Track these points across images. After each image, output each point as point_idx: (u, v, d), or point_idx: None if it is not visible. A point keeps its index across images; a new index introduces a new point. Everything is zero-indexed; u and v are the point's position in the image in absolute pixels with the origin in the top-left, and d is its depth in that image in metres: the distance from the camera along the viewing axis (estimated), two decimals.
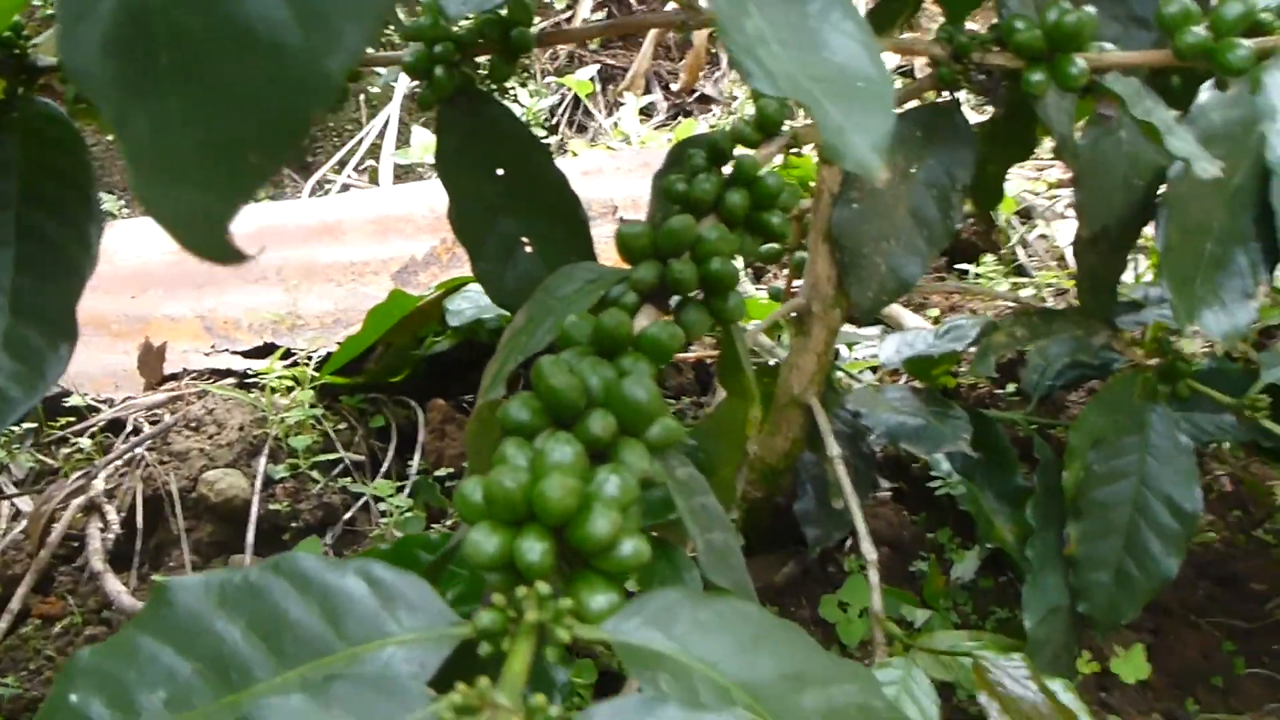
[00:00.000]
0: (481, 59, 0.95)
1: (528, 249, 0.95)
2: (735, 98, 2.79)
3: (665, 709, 0.37)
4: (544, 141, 0.97)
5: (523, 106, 2.70)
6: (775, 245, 1.28)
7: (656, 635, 0.44)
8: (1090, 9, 0.77)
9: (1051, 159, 2.17)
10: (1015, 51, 0.79)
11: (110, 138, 0.97)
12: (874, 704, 0.47)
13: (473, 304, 1.35)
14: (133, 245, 1.90)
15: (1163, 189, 0.96)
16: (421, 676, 0.43)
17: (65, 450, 1.37)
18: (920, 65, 2.30)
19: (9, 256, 0.81)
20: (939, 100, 0.95)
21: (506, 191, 0.95)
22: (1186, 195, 0.95)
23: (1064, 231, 1.81)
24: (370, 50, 0.96)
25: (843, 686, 0.47)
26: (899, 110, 0.97)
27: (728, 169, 0.77)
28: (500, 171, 0.95)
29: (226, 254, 0.32)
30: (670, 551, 0.83)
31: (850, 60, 0.47)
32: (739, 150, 0.78)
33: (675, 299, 0.69)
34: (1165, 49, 0.75)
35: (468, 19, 0.91)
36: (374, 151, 2.64)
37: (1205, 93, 0.93)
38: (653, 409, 0.55)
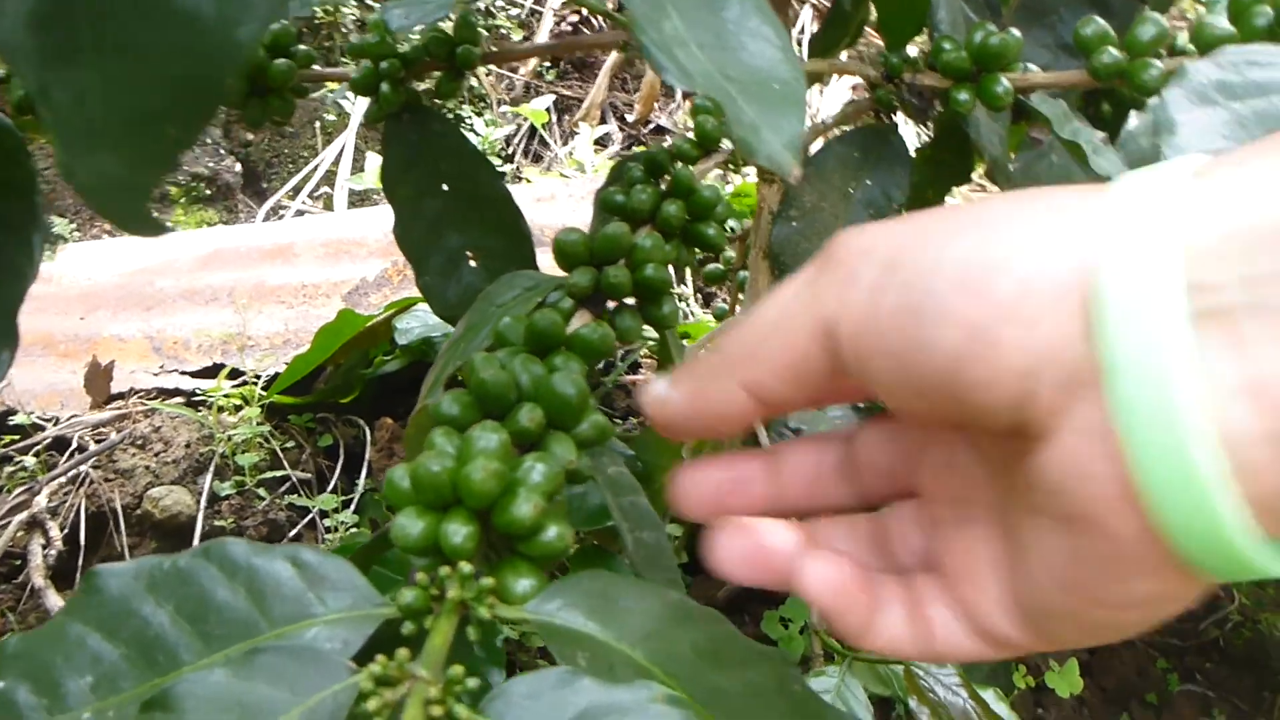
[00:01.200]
0: (429, 77, 0.97)
1: (472, 263, 0.96)
2: (690, 129, 2.82)
3: (581, 681, 0.37)
4: (494, 164, 0.98)
5: (479, 135, 2.72)
6: (720, 266, 1.30)
7: (577, 616, 0.45)
8: (1016, 33, 0.79)
9: (983, 186, 2.21)
10: (943, 72, 0.81)
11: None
12: (792, 687, 0.48)
13: (421, 323, 1.35)
14: (83, 267, 1.90)
15: None
16: (345, 653, 0.44)
17: (9, 469, 1.36)
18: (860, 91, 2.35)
19: None
20: (876, 123, 0.98)
21: (452, 206, 0.96)
22: None
23: None
24: (319, 67, 0.97)
25: (761, 668, 0.47)
26: (839, 132, 1.00)
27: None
28: (445, 187, 0.96)
29: (143, 223, 0.33)
30: (607, 558, 0.85)
31: (766, 63, 0.49)
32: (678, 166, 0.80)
33: (610, 305, 0.71)
34: (1080, 73, 0.78)
35: (414, 36, 0.93)
36: (329, 178, 2.64)
37: (1135, 119, 0.96)
38: (581, 404, 0.56)
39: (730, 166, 0.93)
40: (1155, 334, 0.26)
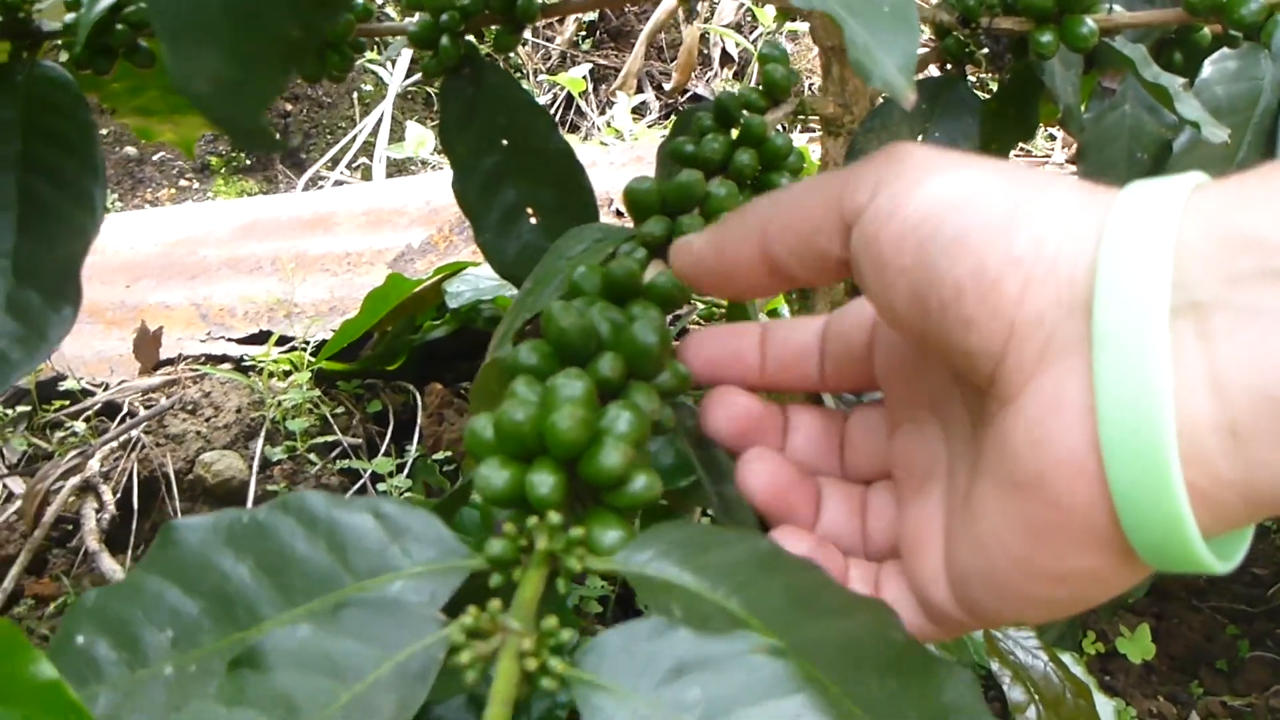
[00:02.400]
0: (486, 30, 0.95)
1: (532, 219, 0.95)
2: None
3: (676, 633, 0.36)
4: (531, 97, 0.96)
5: None
6: None
7: (669, 567, 0.43)
8: None
9: (1044, 157, 2.18)
10: (1024, 13, 0.79)
11: (110, 117, 0.97)
12: (892, 635, 0.46)
13: (471, 287, 1.34)
14: (125, 237, 1.89)
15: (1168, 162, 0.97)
16: (432, 606, 0.42)
17: (59, 434, 1.36)
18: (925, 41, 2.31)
19: (10, 219, 0.80)
20: (943, 73, 0.95)
21: (510, 161, 0.94)
22: (1191, 168, 0.96)
23: None
24: (375, 21, 0.96)
25: (859, 616, 0.46)
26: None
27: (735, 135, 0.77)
28: (504, 141, 0.94)
29: (260, 133, 0.31)
30: (678, 520, 0.83)
31: None
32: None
33: None
34: (1173, 10, 0.75)
35: None
36: (366, 149, 2.63)
37: (1209, 67, 0.94)
38: (662, 353, 0.55)
39: (799, 117, 0.91)
40: (1139, 318, 0.28)
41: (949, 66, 0.94)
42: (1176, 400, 0.28)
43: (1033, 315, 0.31)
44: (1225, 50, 0.92)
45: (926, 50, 0.96)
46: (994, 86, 1.11)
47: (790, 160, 0.78)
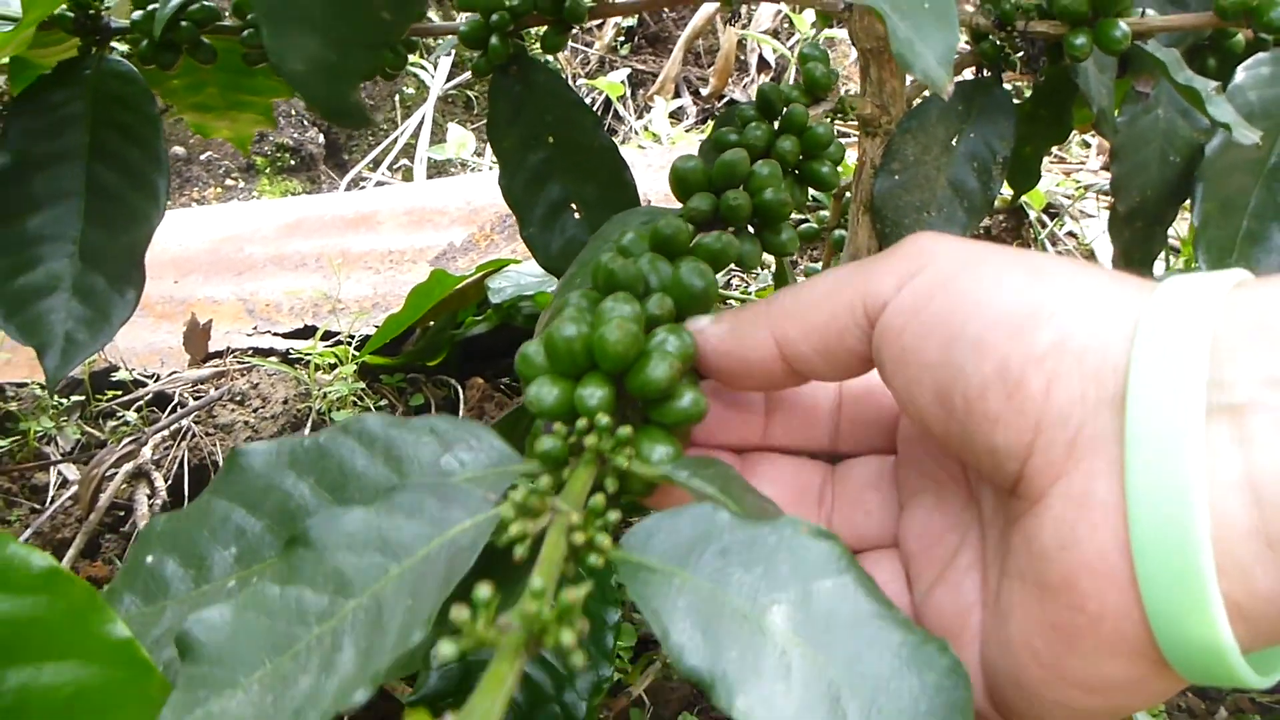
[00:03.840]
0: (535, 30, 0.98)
1: (576, 215, 0.98)
2: None
3: (723, 516, 0.36)
4: (577, 95, 0.99)
5: None
6: (814, 225, 1.30)
7: (709, 488, 0.43)
8: None
9: (1079, 164, 2.19)
10: (1059, 16, 0.81)
11: (165, 115, 1.00)
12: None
13: (513, 283, 1.37)
14: (173, 234, 1.94)
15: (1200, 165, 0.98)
16: (485, 494, 0.43)
17: (112, 423, 1.40)
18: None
19: (78, 207, 0.84)
20: (979, 76, 0.97)
21: (555, 157, 0.97)
22: (1223, 171, 0.97)
23: (1092, 229, 1.83)
24: (427, 21, 0.99)
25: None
26: None
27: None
28: (550, 138, 0.97)
29: (353, 112, 0.34)
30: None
31: None
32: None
33: (729, 230, 0.71)
34: (1205, 15, 0.77)
35: None
36: (408, 151, 2.67)
37: (1242, 73, 0.95)
38: (710, 297, 0.55)
39: (836, 117, 0.93)
40: (1174, 420, 0.27)
41: (985, 70, 0.96)
42: (1213, 507, 0.27)
43: (1059, 411, 0.30)
44: (1260, 55, 0.94)
45: (963, 54, 0.98)
46: (1029, 91, 1.13)
47: (831, 150, 0.81)
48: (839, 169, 0.79)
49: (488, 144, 1.04)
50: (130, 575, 0.46)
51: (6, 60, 0.91)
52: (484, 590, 0.30)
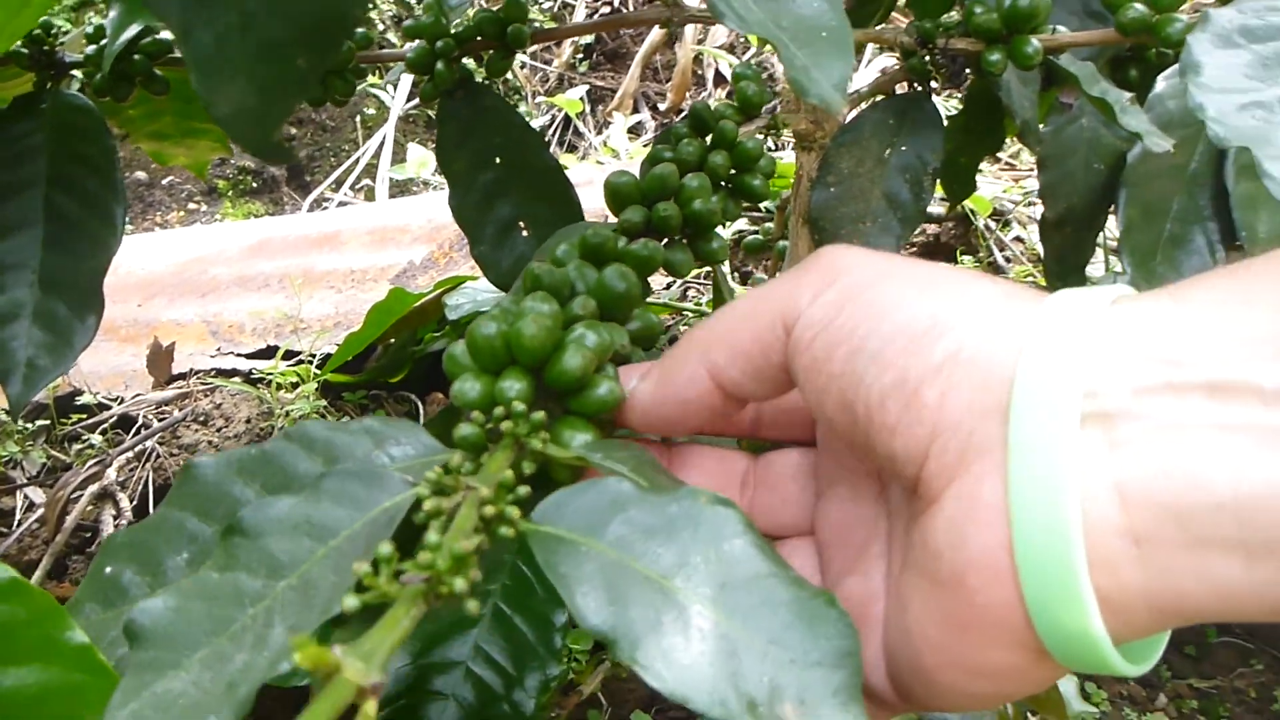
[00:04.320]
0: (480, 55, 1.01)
1: (524, 233, 1.01)
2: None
3: (624, 486, 0.38)
4: (524, 119, 1.02)
5: None
6: (759, 237, 1.34)
7: (622, 467, 0.43)
8: None
9: (1028, 171, 2.24)
10: (975, 34, 0.84)
11: (124, 142, 1.03)
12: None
13: (470, 299, 1.40)
14: (138, 258, 1.96)
15: (1124, 172, 1.02)
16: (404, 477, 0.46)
17: (77, 446, 1.42)
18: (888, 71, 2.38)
19: (38, 235, 0.86)
20: (911, 91, 1.01)
21: (504, 178, 1.00)
22: (1146, 177, 1.01)
23: (1037, 233, 1.87)
24: (376, 49, 1.02)
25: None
26: (874, 101, 1.03)
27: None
28: (497, 159, 1.00)
29: (274, 150, 0.37)
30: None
31: (814, 13, 0.52)
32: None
33: (661, 241, 0.74)
34: (1110, 30, 0.81)
35: (470, 11, 0.97)
36: (370, 171, 2.70)
37: (1162, 82, 0.99)
38: (632, 299, 0.57)
39: (770, 131, 0.97)
40: (1051, 429, 0.30)
41: (916, 85, 1.00)
42: (1086, 507, 0.29)
43: (952, 420, 0.32)
44: (1178, 66, 0.98)
45: (897, 69, 1.02)
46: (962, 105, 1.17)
47: (762, 163, 0.84)
48: (769, 182, 0.82)
49: None
50: (91, 585, 0.49)
51: None
52: (385, 548, 0.33)
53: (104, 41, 0.90)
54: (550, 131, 2.90)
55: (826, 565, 0.43)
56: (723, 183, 0.80)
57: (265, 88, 0.36)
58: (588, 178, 2.16)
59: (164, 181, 2.61)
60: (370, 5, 2.73)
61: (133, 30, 0.68)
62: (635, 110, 2.94)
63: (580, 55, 3.12)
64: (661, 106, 2.96)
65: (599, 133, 2.88)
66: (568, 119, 2.90)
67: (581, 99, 2.89)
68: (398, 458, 0.47)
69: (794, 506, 0.46)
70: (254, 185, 2.60)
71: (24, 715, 0.42)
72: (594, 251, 0.61)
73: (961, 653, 0.33)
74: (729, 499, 0.36)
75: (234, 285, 1.83)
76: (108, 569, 0.50)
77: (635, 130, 2.84)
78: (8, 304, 0.85)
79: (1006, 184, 2.04)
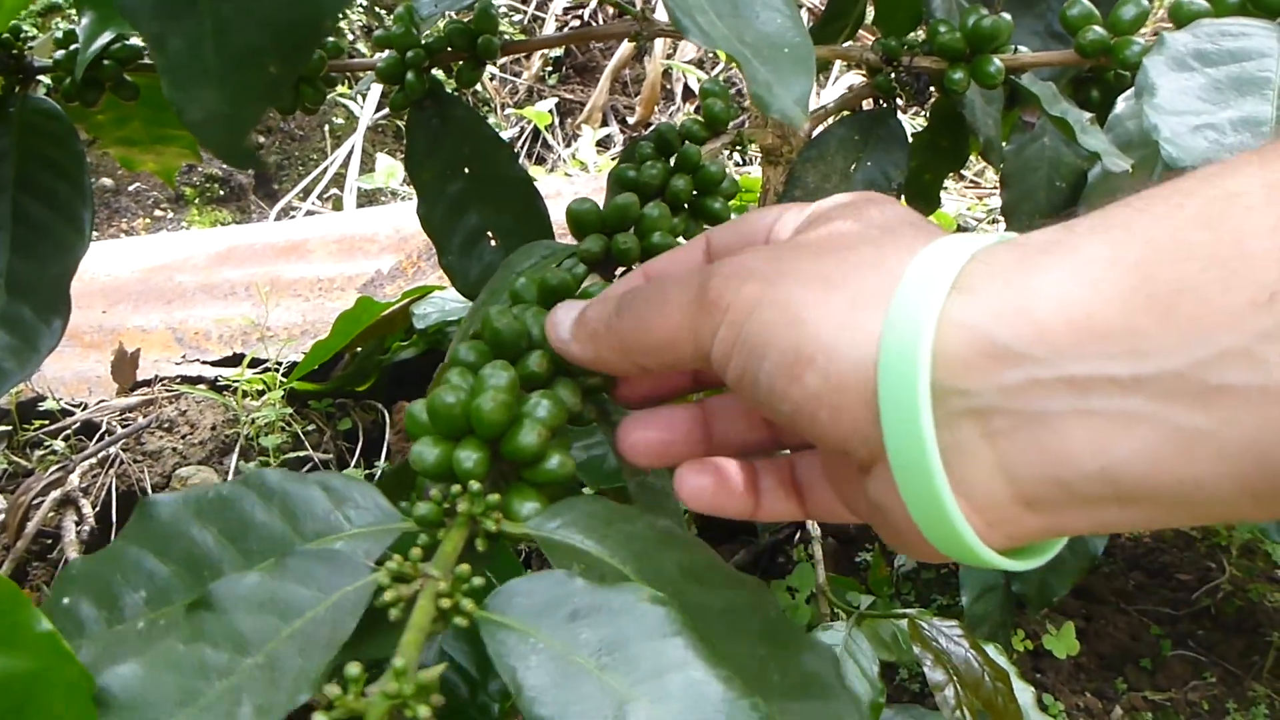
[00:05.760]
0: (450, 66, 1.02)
1: (492, 242, 1.01)
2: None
3: (575, 583, 0.41)
4: (494, 130, 1.03)
5: None
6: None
7: (574, 534, 0.48)
8: (1007, 16, 0.84)
9: (993, 189, 2.27)
10: (939, 53, 0.86)
11: (92, 148, 1.03)
12: (769, 611, 0.51)
13: (438, 309, 1.40)
14: (102, 264, 1.95)
15: (1084, 191, 1.04)
16: (366, 559, 0.48)
17: (39, 452, 1.41)
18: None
19: (4, 239, 0.86)
20: (875, 108, 1.03)
21: (472, 188, 1.01)
22: (1106, 196, 1.02)
23: None
24: (346, 59, 1.03)
25: (740, 592, 0.52)
26: (840, 117, 1.04)
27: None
28: (466, 170, 1.01)
29: (243, 156, 0.38)
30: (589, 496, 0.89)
31: (777, 30, 0.54)
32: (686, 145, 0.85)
33: (619, 270, 0.76)
34: (1070, 51, 0.83)
35: (440, 23, 0.98)
36: (338, 180, 2.69)
37: (1121, 103, 1.01)
38: None
39: (737, 148, 0.98)
40: (913, 429, 0.35)
41: (881, 102, 1.02)
42: (977, 484, 0.35)
43: (851, 433, 0.37)
44: (1135, 87, 1.00)
45: (863, 86, 1.03)
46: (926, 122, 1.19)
47: (724, 186, 0.85)
48: (730, 204, 0.83)
49: None
50: (49, 615, 0.50)
51: None
52: (353, 669, 0.36)
53: (74, 47, 0.91)
54: (519, 143, 2.90)
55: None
56: (684, 205, 0.81)
57: (236, 94, 0.36)
58: (556, 189, 2.16)
59: (130, 188, 2.60)
60: (341, 15, 2.73)
61: (106, 37, 0.68)
62: (604, 123, 2.95)
63: (549, 68, 3.13)
64: (630, 120, 2.98)
65: (568, 145, 2.89)
66: (536, 131, 2.91)
67: (551, 111, 2.90)
68: (355, 520, 0.49)
69: (747, 436, 0.51)
70: (221, 193, 2.60)
71: None
72: (551, 292, 0.63)
73: (904, 546, 0.40)
74: (664, 598, 0.39)
75: (200, 293, 1.82)
76: (65, 599, 0.50)
77: (604, 143, 2.85)
78: None
79: (971, 201, 2.07)
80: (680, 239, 0.78)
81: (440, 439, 0.51)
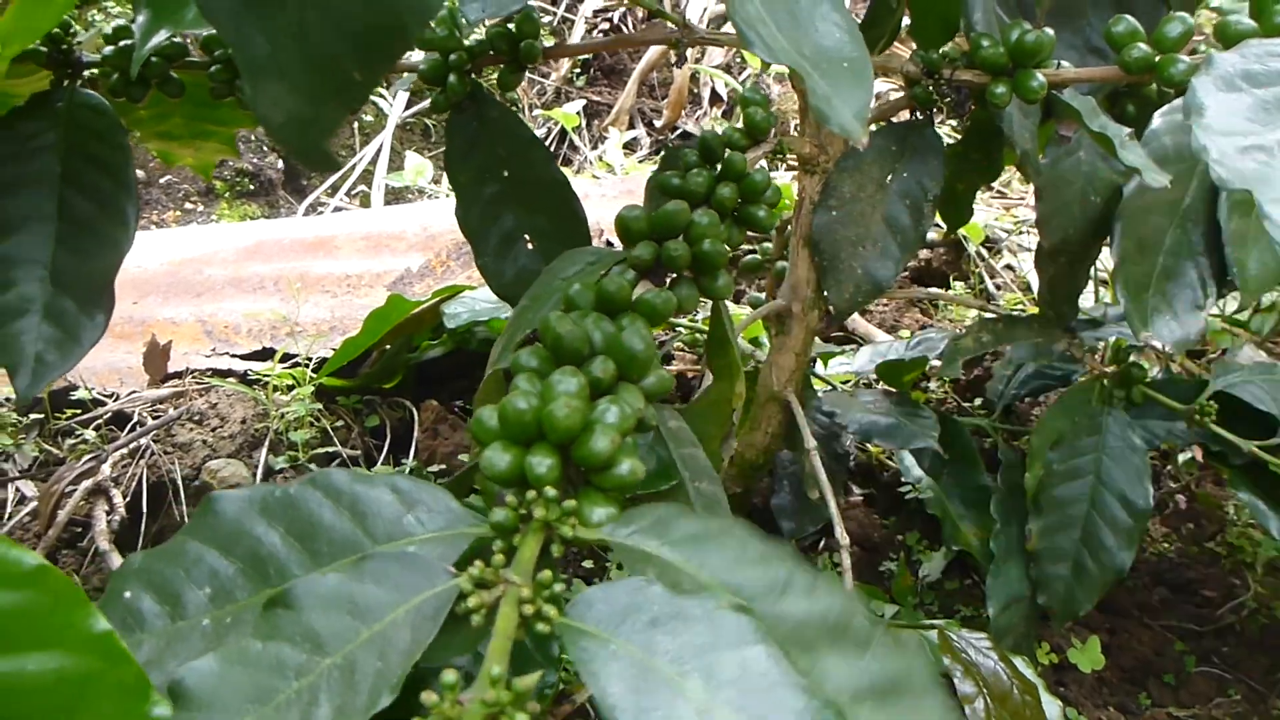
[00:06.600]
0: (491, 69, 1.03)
1: (528, 244, 1.02)
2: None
3: (653, 589, 0.42)
4: (531, 132, 1.04)
5: None
6: (757, 257, 1.35)
7: (650, 541, 0.49)
8: (1050, 31, 0.85)
9: (1019, 199, 2.27)
10: (981, 67, 0.86)
11: (139, 143, 1.03)
12: (856, 621, 0.52)
13: (468, 309, 1.41)
14: (134, 256, 1.95)
15: (1119, 205, 1.04)
16: (443, 563, 0.49)
17: (70, 441, 1.42)
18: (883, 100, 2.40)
19: (49, 232, 0.87)
20: (913, 118, 1.03)
21: (509, 190, 1.02)
22: (1141, 211, 1.03)
23: (1028, 262, 1.90)
24: None
25: (827, 599, 0.52)
26: (877, 127, 1.05)
27: (718, 169, 0.85)
28: (505, 172, 1.01)
29: (323, 160, 0.38)
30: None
31: (836, 44, 0.54)
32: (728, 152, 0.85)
33: (669, 276, 0.77)
34: (1113, 68, 0.83)
35: (483, 27, 0.98)
36: (366, 177, 2.71)
37: (1159, 119, 1.01)
38: (648, 358, 0.62)
39: (776, 157, 0.98)
40: None
41: (918, 113, 1.02)
42: None
43: None
44: (1175, 102, 1.00)
45: (899, 96, 1.04)
46: (961, 134, 1.19)
47: (768, 195, 0.86)
48: (774, 211, 0.84)
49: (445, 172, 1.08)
50: (109, 607, 0.51)
51: None
52: (449, 676, 0.36)
53: (124, 43, 0.92)
54: (548, 143, 2.91)
55: None
56: (729, 213, 0.82)
57: (316, 97, 0.37)
58: (584, 192, 2.16)
59: (161, 180, 2.62)
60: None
61: (161, 36, 0.69)
62: (631, 126, 2.96)
63: (578, 70, 3.14)
64: (657, 123, 2.98)
65: (595, 147, 2.90)
66: (564, 132, 2.92)
67: (578, 113, 2.90)
68: (427, 524, 0.50)
69: None
70: (251, 187, 2.61)
71: (47, 699, 0.43)
72: (608, 300, 0.64)
73: None
74: (746, 606, 0.40)
75: (229, 286, 1.83)
76: (126, 593, 0.51)
77: (630, 146, 2.85)
78: (17, 299, 0.86)
79: (998, 212, 2.07)
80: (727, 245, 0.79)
81: (511, 444, 0.52)
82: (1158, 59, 0.78)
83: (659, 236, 0.77)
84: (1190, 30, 0.78)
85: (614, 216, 0.75)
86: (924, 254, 1.92)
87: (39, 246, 0.87)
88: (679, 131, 2.98)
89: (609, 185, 2.22)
